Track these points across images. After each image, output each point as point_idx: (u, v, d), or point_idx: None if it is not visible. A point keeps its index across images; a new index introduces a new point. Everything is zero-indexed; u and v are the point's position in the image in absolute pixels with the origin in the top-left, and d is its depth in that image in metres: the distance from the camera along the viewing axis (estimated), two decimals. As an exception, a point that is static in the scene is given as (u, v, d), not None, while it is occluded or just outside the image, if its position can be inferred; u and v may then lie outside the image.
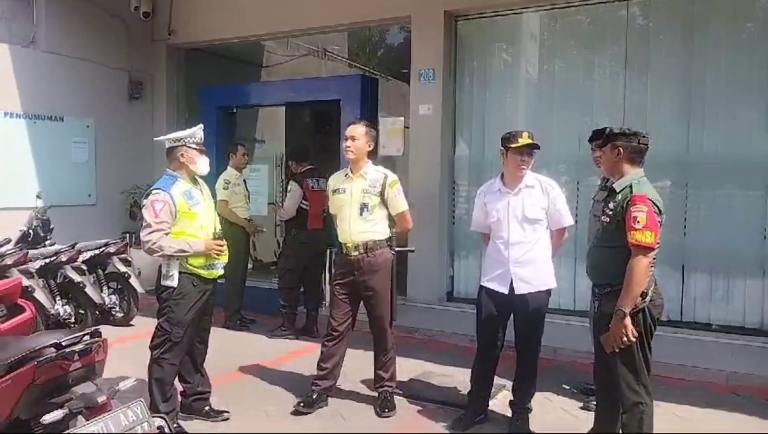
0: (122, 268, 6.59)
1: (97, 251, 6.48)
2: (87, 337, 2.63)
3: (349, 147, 4.37)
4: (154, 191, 3.95)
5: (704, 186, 6.10)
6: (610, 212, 3.33)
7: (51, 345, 2.50)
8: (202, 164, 4.07)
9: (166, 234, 3.86)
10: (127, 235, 7.86)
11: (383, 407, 4.40)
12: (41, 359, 2.47)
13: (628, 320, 3.17)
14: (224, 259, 4.13)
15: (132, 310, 6.64)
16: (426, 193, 7.04)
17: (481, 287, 4.20)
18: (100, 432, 2.37)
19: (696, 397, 4.80)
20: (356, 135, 4.38)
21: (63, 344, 2.52)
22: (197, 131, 4.12)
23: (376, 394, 4.56)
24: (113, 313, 6.50)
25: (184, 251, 3.88)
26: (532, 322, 4.03)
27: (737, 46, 5.96)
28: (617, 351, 3.26)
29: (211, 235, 4.05)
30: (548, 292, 4.06)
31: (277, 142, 9.90)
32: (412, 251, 5.19)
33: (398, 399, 4.64)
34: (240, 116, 8.91)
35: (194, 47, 9.06)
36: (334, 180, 4.58)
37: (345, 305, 4.48)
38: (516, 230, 4.00)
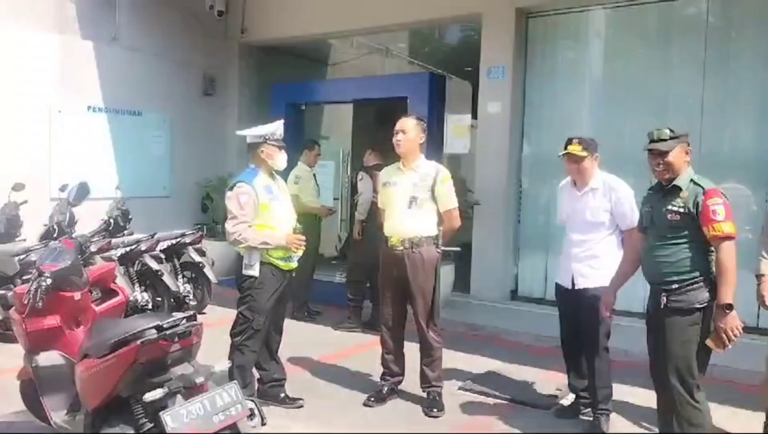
0: (197, 258, 6.82)
1: (173, 241, 6.73)
2: (185, 321, 2.77)
3: (399, 140, 4.36)
4: (238, 184, 4.08)
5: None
6: (680, 208, 3.30)
7: (153, 327, 2.65)
8: (280, 160, 4.20)
9: (250, 226, 3.99)
10: (201, 226, 8.12)
11: (431, 407, 4.38)
12: (144, 339, 2.62)
13: (735, 313, 3.14)
14: (300, 252, 4.25)
15: (205, 299, 6.87)
16: (492, 191, 7.05)
17: (556, 283, 4.32)
18: (199, 411, 2.51)
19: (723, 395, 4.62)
20: (406, 128, 4.34)
21: (164, 326, 2.66)
22: (278, 128, 4.22)
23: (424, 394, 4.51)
24: (187, 301, 6.73)
25: (267, 244, 4.01)
26: (591, 318, 3.97)
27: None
28: (729, 348, 3.19)
29: (291, 229, 4.16)
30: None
31: (343, 139, 10.04)
32: (458, 250, 5.13)
33: (462, 395, 4.68)
34: (308, 112, 9.09)
35: (265, 45, 9.30)
36: (386, 173, 4.59)
37: (393, 302, 4.50)
38: (578, 229, 4.09)
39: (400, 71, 10.98)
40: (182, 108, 8.75)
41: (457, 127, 7.47)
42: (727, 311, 3.14)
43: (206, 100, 9.10)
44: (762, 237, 3.68)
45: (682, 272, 3.27)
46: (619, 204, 3.98)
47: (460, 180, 7.28)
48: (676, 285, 3.30)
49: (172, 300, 6.55)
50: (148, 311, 5.89)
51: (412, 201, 4.31)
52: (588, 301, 3.97)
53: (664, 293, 3.35)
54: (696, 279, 3.24)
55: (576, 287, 4.05)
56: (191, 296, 6.79)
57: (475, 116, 7.51)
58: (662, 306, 3.37)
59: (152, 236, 6.53)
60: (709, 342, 3.23)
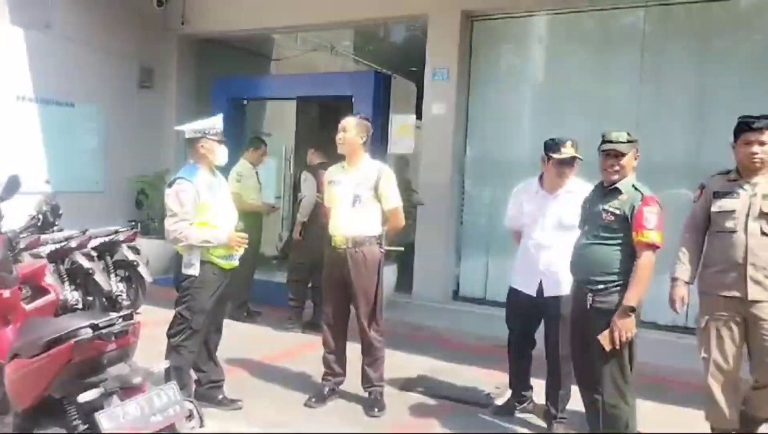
0: (131, 256, 6.58)
1: (106, 238, 6.47)
2: (121, 319, 2.65)
3: (340, 139, 4.34)
4: (177, 180, 3.97)
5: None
6: (617, 211, 3.38)
7: (88, 326, 2.52)
8: (221, 155, 4.11)
9: (190, 224, 3.89)
10: (136, 223, 7.84)
11: (372, 406, 4.36)
12: (78, 339, 2.49)
13: (633, 317, 3.26)
14: (242, 251, 4.16)
15: (139, 299, 6.63)
16: (436, 192, 7.09)
17: (511, 288, 4.19)
18: (135, 412, 2.40)
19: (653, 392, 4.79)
20: (347, 127, 4.32)
21: (100, 325, 2.54)
22: (217, 122, 4.13)
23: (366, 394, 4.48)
24: (120, 301, 6.48)
25: (209, 242, 3.92)
26: (559, 326, 3.97)
27: (748, 53, 6.04)
28: (616, 347, 3.29)
29: (233, 226, 4.09)
30: None
31: (286, 136, 9.91)
32: (402, 250, 5.15)
33: (403, 395, 4.68)
34: (250, 107, 8.93)
35: (206, 38, 9.08)
36: (331, 172, 4.56)
37: (335, 301, 4.47)
38: (549, 234, 3.99)
39: (344, 69, 10.95)
40: (117, 100, 8.43)
41: (401, 127, 7.49)
42: (629, 314, 3.25)
43: (143, 93, 8.80)
44: (681, 240, 3.74)
45: (609, 273, 3.36)
46: None
47: (405, 180, 7.31)
48: (602, 286, 3.38)
49: (104, 300, 6.29)
50: (78, 311, 5.63)
51: (356, 200, 4.29)
52: (557, 308, 3.94)
53: (590, 293, 3.43)
54: (622, 282, 3.32)
55: (545, 295, 3.98)
56: (124, 296, 6.53)
57: (420, 116, 7.55)
58: (588, 306, 3.45)
59: (84, 232, 6.25)
60: (600, 337, 3.33)
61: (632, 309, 3.25)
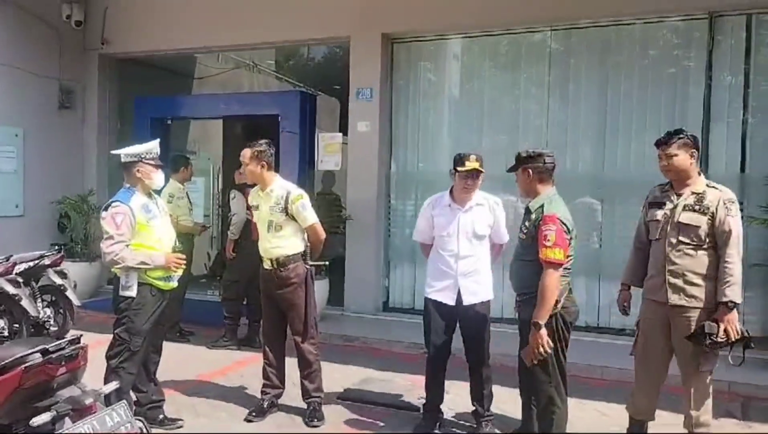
0: (58, 280, 6.45)
1: (32, 264, 6.33)
2: (70, 344, 2.73)
3: (241, 171, 4.55)
4: (113, 204, 4.01)
5: (617, 201, 6.71)
6: (526, 230, 3.68)
7: (38, 351, 2.59)
8: (157, 179, 4.19)
9: (127, 246, 3.94)
10: (60, 247, 7.68)
11: (312, 417, 4.51)
12: (28, 364, 2.55)
13: (543, 332, 3.47)
14: (181, 272, 4.23)
15: (67, 323, 6.50)
16: (363, 207, 7.34)
17: (427, 299, 4.35)
18: (88, 432, 2.49)
19: (617, 395, 5.23)
20: (245, 159, 4.53)
21: (50, 350, 2.61)
22: (154, 146, 4.20)
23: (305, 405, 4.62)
24: (48, 327, 6.36)
25: (146, 264, 3.97)
26: (480, 331, 4.27)
27: (645, 73, 6.61)
28: (534, 362, 3.56)
29: (171, 248, 4.15)
30: (489, 303, 4.32)
31: (213, 154, 9.92)
32: (326, 264, 5.35)
33: (341, 404, 4.87)
34: (174, 126, 8.91)
35: (127, 57, 9.01)
36: (252, 196, 4.75)
37: (271, 316, 4.65)
38: (465, 245, 4.20)
39: (267, 86, 11.08)
40: (37, 122, 8.25)
41: (328, 145, 7.70)
42: (536, 329, 3.46)
43: (63, 114, 8.63)
44: (632, 247, 4.01)
45: (527, 286, 3.63)
46: (499, 220, 4.26)
47: (333, 196, 7.52)
48: (526, 297, 3.68)
49: (31, 326, 6.17)
50: (6, 342, 5.49)
51: (270, 225, 4.49)
52: (476, 315, 4.19)
53: (517, 305, 3.76)
54: (536, 295, 3.57)
55: (463, 304, 4.18)
56: (52, 321, 6.41)
57: (346, 133, 7.81)
58: (518, 317, 3.79)
59: (7, 258, 6.12)
60: (522, 353, 3.62)
61: (539, 325, 3.46)
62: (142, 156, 4.11)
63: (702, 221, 3.55)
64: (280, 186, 4.56)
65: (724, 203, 3.54)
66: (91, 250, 7.93)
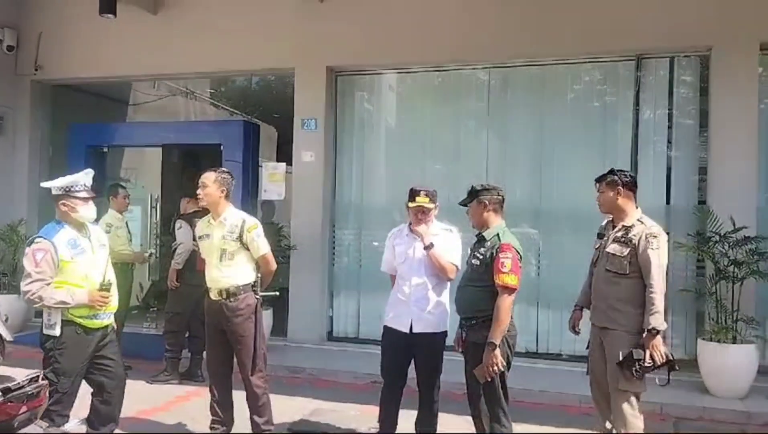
0: (-14, 315, 6.17)
1: (-42, 298, 6.03)
2: (30, 383, 2.63)
3: (199, 195, 4.53)
4: (36, 240, 3.84)
5: (554, 231, 7.00)
6: (481, 256, 3.88)
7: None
8: (85, 212, 3.96)
9: (48, 284, 3.75)
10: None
11: None
12: (-13, 404, 2.45)
13: (498, 351, 3.69)
14: (111, 309, 4.03)
15: (-3, 359, 6.20)
16: (308, 236, 7.36)
17: (385, 326, 4.43)
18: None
19: (555, 418, 5.43)
20: (206, 182, 4.48)
21: (12, 388, 2.52)
22: (84, 178, 4.00)
23: None
24: (-25, 364, 6.02)
25: (66, 303, 3.77)
26: (430, 361, 4.32)
27: (578, 110, 6.99)
28: (488, 380, 3.74)
29: (97, 285, 3.92)
30: (444, 334, 4.35)
31: (151, 183, 9.70)
32: (277, 294, 5.35)
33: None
34: (111, 154, 8.71)
35: (61, 83, 8.77)
36: (200, 226, 4.72)
37: (218, 349, 4.58)
38: (419, 273, 4.30)
39: (204, 113, 10.98)
40: (-38, 148, 7.89)
41: (272, 174, 7.70)
42: (491, 349, 3.67)
43: (-8, 141, 8.30)
44: (588, 273, 4.31)
45: (480, 310, 3.82)
46: (449, 245, 4.33)
47: (276, 226, 7.50)
48: (475, 321, 3.86)
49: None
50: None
51: (223, 254, 4.45)
52: (429, 345, 4.25)
53: (466, 329, 3.90)
54: (489, 318, 3.77)
55: (414, 331, 4.24)
56: (-20, 358, 6.08)
57: (286, 161, 7.85)
58: (464, 340, 3.93)
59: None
60: (475, 371, 3.78)
61: (494, 345, 3.67)
62: (69, 189, 3.91)
63: (625, 252, 3.90)
64: (234, 214, 4.55)
65: (647, 237, 3.86)
66: (20, 282, 7.55)
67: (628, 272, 3.89)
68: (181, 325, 6.31)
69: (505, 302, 3.70)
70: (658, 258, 3.82)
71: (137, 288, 9.52)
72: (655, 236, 3.86)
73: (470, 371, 3.85)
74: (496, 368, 3.69)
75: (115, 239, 6.33)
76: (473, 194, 3.99)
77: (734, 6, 6.21)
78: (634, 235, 3.90)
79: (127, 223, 6.71)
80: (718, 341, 5.75)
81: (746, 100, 6.20)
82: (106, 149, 8.45)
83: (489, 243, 3.86)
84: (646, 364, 3.77)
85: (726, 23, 6.23)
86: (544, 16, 6.74)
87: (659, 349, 3.77)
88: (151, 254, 7.22)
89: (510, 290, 3.71)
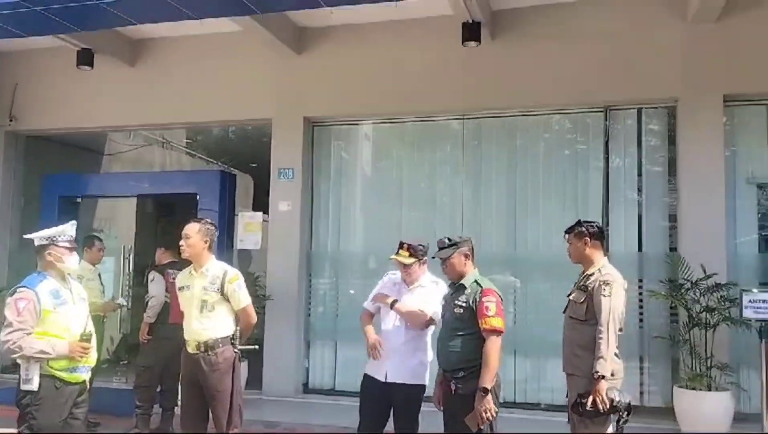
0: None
1: None
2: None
3: (182, 246, 4.51)
4: (19, 289, 3.81)
5: (529, 279, 7.03)
6: (464, 304, 3.89)
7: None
8: (70, 262, 4.01)
9: (28, 334, 3.69)
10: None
11: None
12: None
13: (490, 397, 3.68)
14: (90, 362, 3.97)
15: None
16: (284, 286, 7.30)
17: (364, 374, 4.39)
18: None
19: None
20: (189, 233, 4.46)
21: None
22: (68, 229, 4.05)
23: None
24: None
25: (46, 353, 3.72)
26: (406, 412, 4.25)
27: (550, 159, 7.11)
28: (481, 427, 3.70)
29: (78, 336, 3.89)
30: (422, 387, 4.30)
31: (124, 234, 9.59)
32: (256, 348, 5.28)
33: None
34: (84, 205, 8.63)
35: (36, 134, 8.74)
36: (180, 278, 4.68)
37: (193, 403, 4.47)
38: (399, 323, 4.29)
39: (180, 162, 10.96)
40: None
41: (248, 223, 7.68)
42: (484, 394, 3.66)
43: (-35, 191, 8.18)
44: None
45: (467, 360, 3.81)
46: (432, 301, 4.30)
47: (252, 276, 7.43)
48: (463, 373, 3.83)
49: None
50: None
51: (203, 306, 4.40)
52: (406, 397, 4.20)
53: (453, 381, 3.86)
54: (479, 367, 3.77)
55: (388, 380, 4.22)
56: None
57: (262, 210, 7.84)
58: (452, 392, 3.88)
59: None
60: (467, 420, 3.73)
61: (486, 390, 3.67)
62: (55, 239, 3.94)
63: (582, 299, 4.05)
64: (216, 265, 4.52)
65: (600, 284, 3.98)
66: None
67: (585, 318, 4.00)
68: (153, 380, 6.14)
69: (495, 345, 3.74)
70: (609, 305, 3.91)
71: (108, 341, 9.32)
72: (608, 283, 3.97)
73: (460, 422, 3.79)
74: (489, 414, 3.67)
75: (86, 291, 6.22)
76: (452, 246, 4.03)
77: (698, 60, 6.45)
78: (591, 282, 4.04)
79: (99, 275, 6.61)
80: (694, 388, 5.77)
81: (712, 148, 6.38)
82: (79, 200, 8.37)
83: (469, 290, 3.90)
84: (588, 409, 3.83)
85: (691, 77, 6.46)
86: (513, 70, 6.93)
87: (602, 394, 3.81)
88: (121, 305, 7.07)
89: (498, 332, 3.75)
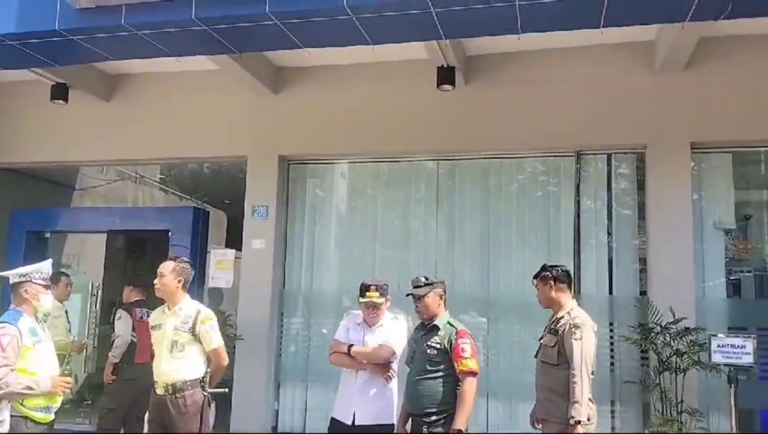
0: None
1: None
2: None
3: (156, 284, 4.50)
4: (1, 325, 3.83)
5: (502, 320, 7.02)
6: (438, 345, 3.90)
7: None
8: (46, 300, 4.07)
9: (12, 370, 3.72)
10: None
11: None
12: None
13: None
14: (56, 402, 4.00)
15: None
16: (255, 325, 7.20)
17: (331, 418, 4.37)
18: None
19: None
20: (164, 271, 4.49)
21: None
22: (44, 266, 4.11)
23: None
24: None
25: (31, 389, 3.77)
26: None
27: (522, 202, 7.19)
28: None
29: (57, 372, 3.99)
30: (391, 426, 4.29)
31: (93, 270, 9.40)
32: (226, 391, 5.20)
33: None
34: (52, 240, 8.47)
35: (5, 168, 8.60)
36: (153, 316, 4.65)
37: None
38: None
39: (153, 198, 10.86)
40: None
41: (220, 261, 7.60)
42: None
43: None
44: None
45: (439, 403, 3.80)
46: (393, 336, 4.36)
47: (223, 315, 7.31)
48: (435, 416, 3.81)
49: None
50: None
51: (173, 345, 4.36)
52: None
53: (425, 425, 3.83)
54: (451, 410, 3.77)
55: (356, 423, 4.20)
56: None
57: (234, 247, 7.77)
58: None
59: None
60: None
61: (461, 432, 3.69)
62: (31, 276, 4.01)
63: (553, 343, 4.07)
64: (190, 305, 4.49)
65: (570, 327, 4.01)
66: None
67: (557, 362, 4.02)
68: (116, 422, 5.98)
69: (472, 386, 3.76)
70: (580, 348, 3.92)
71: (71, 380, 9.07)
72: (578, 327, 4.00)
73: None
74: None
75: (52, 328, 6.04)
76: (429, 285, 4.05)
77: (666, 109, 6.62)
78: (561, 325, 4.06)
79: (66, 312, 6.47)
80: (665, 433, 5.76)
81: (680, 194, 6.50)
82: (48, 235, 8.22)
83: (443, 331, 3.94)
84: None
85: (659, 124, 6.61)
86: (487, 113, 7.04)
87: None
88: (85, 344, 6.92)
89: (473, 374, 3.78)
